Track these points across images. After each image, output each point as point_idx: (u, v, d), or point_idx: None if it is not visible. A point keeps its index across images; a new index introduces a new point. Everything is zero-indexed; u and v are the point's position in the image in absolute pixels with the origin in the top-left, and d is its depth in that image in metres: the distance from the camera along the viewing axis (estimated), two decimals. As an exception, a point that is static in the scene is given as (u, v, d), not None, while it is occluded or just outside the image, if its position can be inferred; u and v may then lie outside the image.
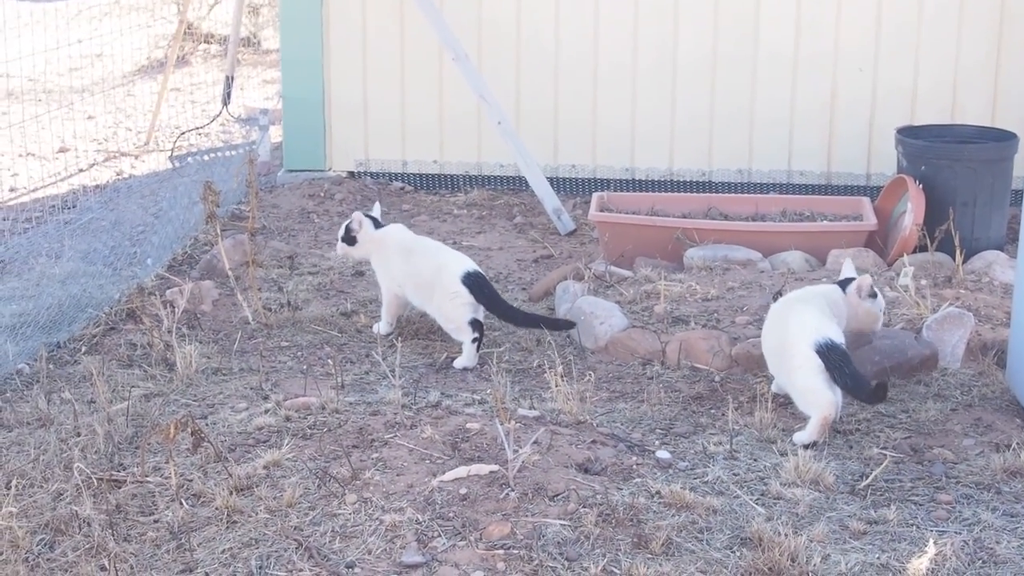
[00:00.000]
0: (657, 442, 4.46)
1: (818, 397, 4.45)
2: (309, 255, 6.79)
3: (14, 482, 4.01)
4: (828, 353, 4.44)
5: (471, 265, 5.38)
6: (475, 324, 5.29)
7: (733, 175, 8.05)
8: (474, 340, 5.28)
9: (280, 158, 8.67)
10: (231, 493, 3.92)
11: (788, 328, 4.62)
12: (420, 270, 5.44)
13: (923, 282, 5.76)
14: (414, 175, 8.34)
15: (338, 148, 8.35)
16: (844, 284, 4.91)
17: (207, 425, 4.48)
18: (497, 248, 7.19)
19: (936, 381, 5.03)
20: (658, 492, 3.96)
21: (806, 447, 4.39)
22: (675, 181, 8.09)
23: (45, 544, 3.76)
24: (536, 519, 3.73)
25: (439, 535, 3.66)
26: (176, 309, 5.47)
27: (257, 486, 3.99)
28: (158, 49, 12.89)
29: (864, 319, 4.92)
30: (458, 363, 5.29)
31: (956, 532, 3.83)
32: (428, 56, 8.06)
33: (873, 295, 4.88)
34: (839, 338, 4.53)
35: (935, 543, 3.70)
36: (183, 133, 9.75)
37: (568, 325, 5.48)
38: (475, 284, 5.28)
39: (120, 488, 4.05)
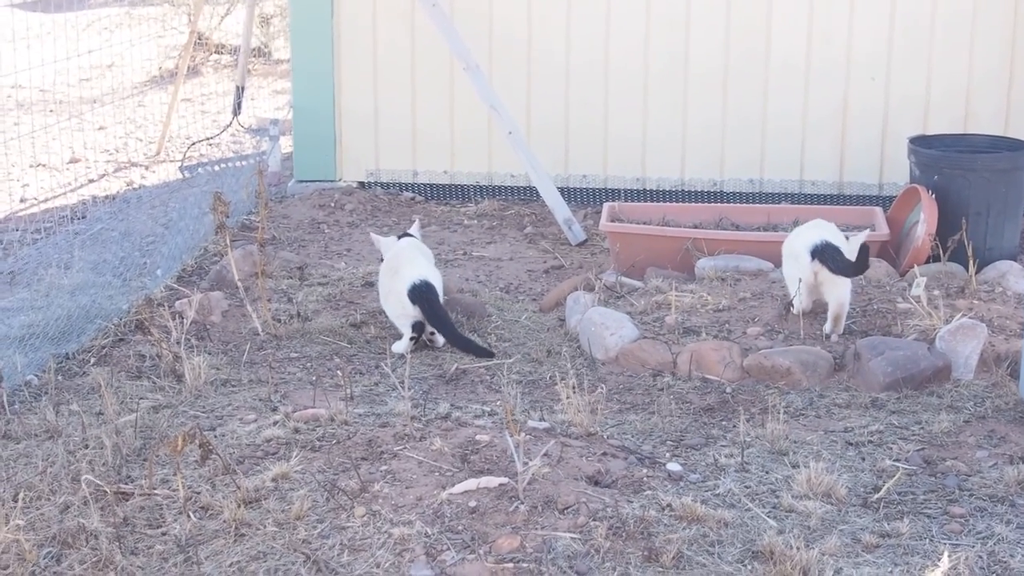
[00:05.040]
0: (668, 454, 4.43)
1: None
2: (319, 266, 6.78)
3: (21, 494, 4.00)
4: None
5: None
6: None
7: (745, 185, 8.02)
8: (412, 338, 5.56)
9: (290, 168, 8.67)
10: (239, 506, 3.89)
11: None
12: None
13: (936, 292, 5.72)
14: (425, 185, 8.33)
15: (348, 158, 8.35)
16: None
17: (215, 437, 4.46)
18: (508, 258, 7.17)
19: (949, 392, 4.99)
20: (669, 505, 3.92)
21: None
22: (686, 191, 8.07)
23: (52, 557, 3.74)
24: (546, 532, 3.71)
25: (448, 548, 3.64)
26: (185, 320, 5.45)
27: (265, 499, 3.97)
28: (169, 60, 12.91)
29: None
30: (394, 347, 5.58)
31: (970, 545, 3.79)
32: (439, 66, 8.05)
33: None
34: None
35: (949, 557, 3.66)
36: (193, 143, 9.75)
37: (488, 355, 5.45)
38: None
39: (128, 501, 4.03)
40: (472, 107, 7.92)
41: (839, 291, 5.41)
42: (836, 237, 5.54)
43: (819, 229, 5.59)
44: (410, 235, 6.04)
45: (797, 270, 5.52)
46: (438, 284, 5.59)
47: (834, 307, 5.42)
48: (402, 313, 5.55)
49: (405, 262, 5.64)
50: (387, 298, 5.66)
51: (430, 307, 5.46)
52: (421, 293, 5.46)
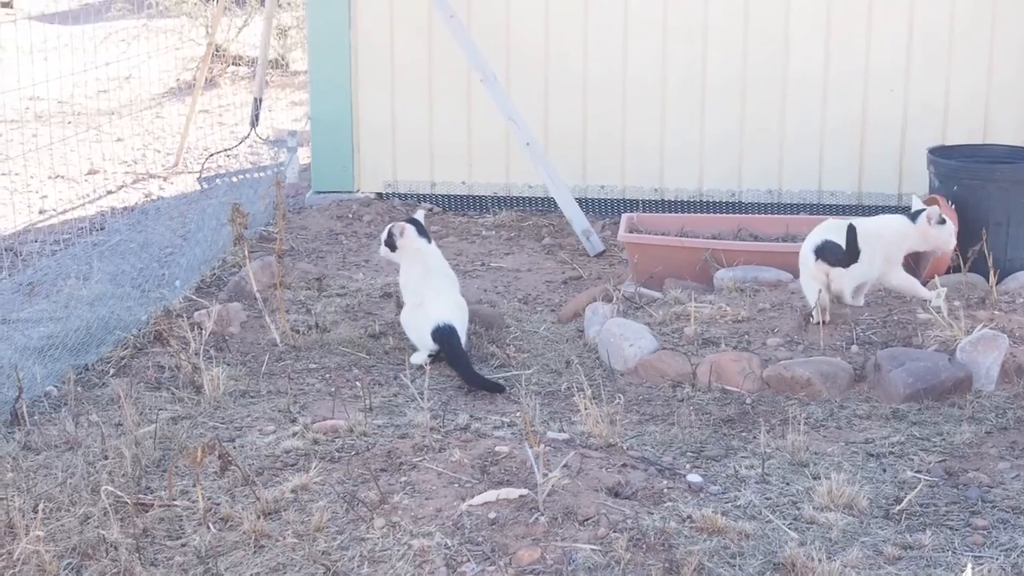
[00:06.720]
0: (688, 465, 4.41)
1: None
2: (337, 276, 6.78)
3: (41, 505, 3.99)
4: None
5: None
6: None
7: (763, 195, 8.01)
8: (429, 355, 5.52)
9: (308, 180, 8.68)
10: (259, 517, 3.89)
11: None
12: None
13: (956, 303, 5.70)
14: (442, 196, 8.33)
15: (366, 169, 8.36)
16: (915, 216, 5.87)
17: (234, 448, 4.46)
18: (526, 269, 7.17)
19: (970, 404, 4.97)
20: (689, 516, 3.91)
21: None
22: (704, 201, 8.06)
23: (72, 569, 3.74)
24: (566, 544, 3.69)
25: (468, 560, 3.63)
26: (204, 331, 5.46)
27: (285, 510, 3.97)
28: (187, 71, 12.95)
29: (936, 242, 5.92)
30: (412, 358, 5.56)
31: (992, 558, 3.77)
32: (456, 77, 8.05)
33: (942, 221, 5.84)
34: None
35: (972, 569, 3.63)
36: (211, 155, 9.77)
37: (499, 389, 5.31)
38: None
39: (147, 512, 4.03)
40: (489, 118, 7.92)
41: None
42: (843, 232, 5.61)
43: (823, 230, 5.67)
44: (416, 220, 5.86)
45: (810, 276, 5.58)
46: (462, 321, 5.55)
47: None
48: (420, 342, 5.55)
49: (431, 295, 5.58)
50: (407, 321, 5.64)
51: (450, 349, 5.42)
52: (443, 336, 5.42)
